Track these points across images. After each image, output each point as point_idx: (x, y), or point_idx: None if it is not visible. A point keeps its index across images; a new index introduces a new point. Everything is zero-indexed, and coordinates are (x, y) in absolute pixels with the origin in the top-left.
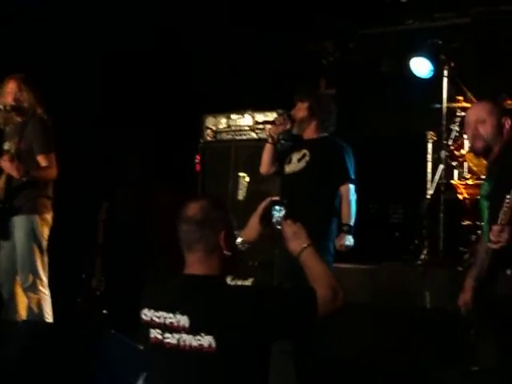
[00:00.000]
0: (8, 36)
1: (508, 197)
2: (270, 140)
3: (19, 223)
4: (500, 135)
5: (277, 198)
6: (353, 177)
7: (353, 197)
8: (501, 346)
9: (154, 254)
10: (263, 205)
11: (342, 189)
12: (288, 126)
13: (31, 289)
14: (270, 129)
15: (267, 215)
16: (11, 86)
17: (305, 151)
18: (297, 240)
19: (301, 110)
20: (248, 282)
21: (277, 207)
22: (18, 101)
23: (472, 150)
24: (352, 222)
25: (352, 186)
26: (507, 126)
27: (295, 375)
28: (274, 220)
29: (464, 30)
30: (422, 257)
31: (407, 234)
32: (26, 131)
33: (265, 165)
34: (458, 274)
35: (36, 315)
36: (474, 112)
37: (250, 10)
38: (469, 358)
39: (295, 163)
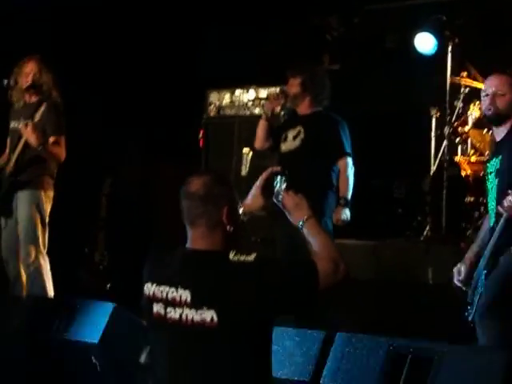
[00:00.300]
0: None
1: None
2: (263, 116)
3: (25, 198)
4: None
5: (278, 169)
6: (348, 150)
7: (350, 170)
8: (500, 324)
9: (156, 228)
10: (264, 176)
11: (339, 163)
12: (282, 102)
13: (33, 264)
14: (263, 105)
15: (268, 186)
16: (31, 67)
17: (299, 128)
18: (298, 211)
19: (293, 86)
20: (251, 258)
21: (278, 178)
22: (37, 81)
23: (484, 116)
24: (349, 196)
25: (349, 160)
26: None
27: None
28: (275, 191)
29: (468, 6)
30: (425, 233)
31: (410, 210)
32: (40, 111)
33: (259, 140)
34: (460, 251)
35: (37, 290)
36: (494, 83)
37: None
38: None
39: (291, 141)
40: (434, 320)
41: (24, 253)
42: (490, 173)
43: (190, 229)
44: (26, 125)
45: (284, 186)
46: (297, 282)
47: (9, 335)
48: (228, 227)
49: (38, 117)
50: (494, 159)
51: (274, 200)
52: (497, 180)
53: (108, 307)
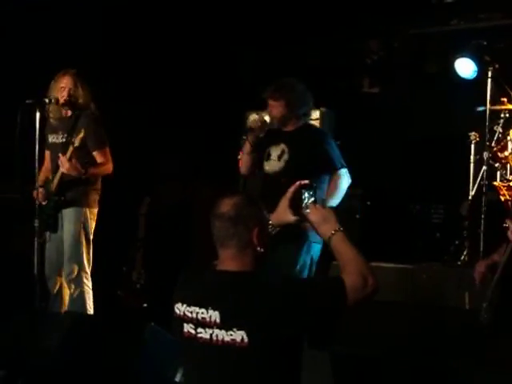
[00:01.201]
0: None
1: None
2: (247, 145)
3: (70, 215)
4: None
5: (307, 182)
6: (339, 164)
7: (343, 180)
8: None
9: (194, 248)
10: (292, 189)
11: (334, 176)
12: (266, 129)
13: (75, 281)
14: (248, 135)
15: (297, 199)
16: (66, 82)
17: (283, 146)
18: (327, 224)
19: (277, 108)
20: (278, 277)
21: (307, 191)
22: (74, 96)
23: None
24: (332, 203)
25: (343, 171)
26: None
27: (332, 374)
28: (303, 204)
29: (509, 31)
30: (463, 258)
31: (448, 234)
32: (78, 126)
33: (245, 167)
34: None
35: (78, 307)
36: None
37: (295, 7)
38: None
39: (275, 160)
40: (467, 345)
41: (68, 269)
42: None
43: (220, 250)
44: (62, 159)
45: (312, 199)
46: (324, 299)
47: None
48: (258, 248)
49: (78, 132)
50: None
51: (303, 213)
52: None
53: (145, 326)
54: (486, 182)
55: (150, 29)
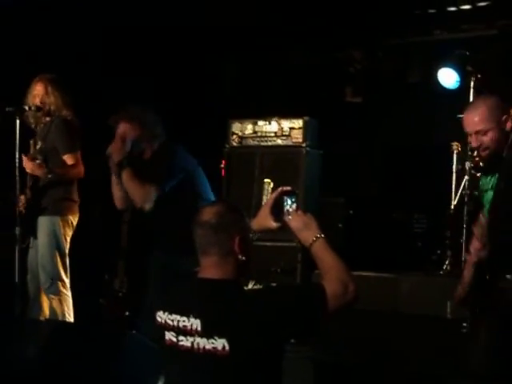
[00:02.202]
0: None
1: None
2: (113, 178)
3: (42, 224)
4: None
5: (289, 189)
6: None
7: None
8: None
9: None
10: (274, 195)
11: None
12: (127, 149)
13: (51, 290)
14: (110, 165)
15: (278, 206)
16: (38, 88)
17: None
18: (308, 231)
19: (132, 130)
20: (260, 286)
21: (289, 198)
22: (44, 103)
23: None
24: None
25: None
26: None
27: (314, 381)
28: (285, 210)
29: (491, 42)
30: (444, 267)
31: (430, 244)
32: (50, 131)
33: (119, 200)
34: None
35: (57, 315)
36: None
37: (279, 17)
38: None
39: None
40: (450, 354)
41: (42, 279)
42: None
43: (202, 258)
44: (24, 159)
45: (294, 205)
46: (304, 307)
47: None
48: (240, 256)
49: (50, 138)
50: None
51: (285, 219)
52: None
53: (126, 334)
54: (468, 192)
55: (131, 36)
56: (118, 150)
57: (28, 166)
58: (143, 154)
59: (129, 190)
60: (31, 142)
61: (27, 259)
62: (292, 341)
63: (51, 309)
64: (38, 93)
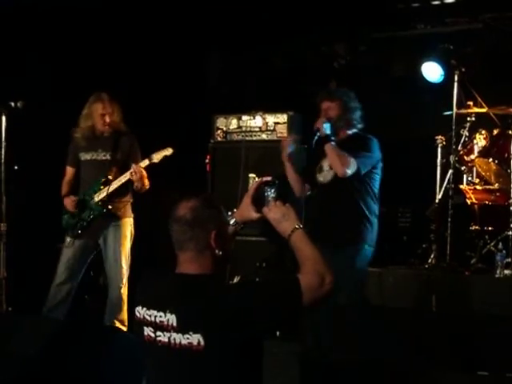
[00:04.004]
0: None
1: None
2: (289, 165)
3: (118, 226)
4: None
5: (269, 179)
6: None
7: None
8: None
9: (162, 252)
10: (254, 185)
11: None
12: (295, 140)
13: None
14: (283, 156)
15: (260, 196)
16: (107, 108)
17: None
18: (286, 222)
19: (332, 109)
20: (234, 281)
21: (269, 188)
22: (112, 121)
23: None
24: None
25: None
26: None
27: (300, 377)
28: (266, 201)
29: (475, 36)
30: (430, 261)
31: (415, 237)
32: (121, 144)
33: (297, 190)
34: (464, 279)
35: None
36: None
37: (263, 11)
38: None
39: (327, 171)
40: (436, 347)
41: (119, 278)
42: None
43: (179, 253)
44: (136, 168)
45: (273, 196)
46: (278, 300)
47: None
48: (217, 251)
49: (122, 150)
50: None
51: (263, 210)
52: None
53: (112, 330)
54: (453, 186)
55: (115, 31)
56: (323, 124)
57: (138, 174)
58: (337, 135)
59: (331, 160)
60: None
61: (60, 259)
62: (278, 334)
63: (113, 306)
64: (106, 112)
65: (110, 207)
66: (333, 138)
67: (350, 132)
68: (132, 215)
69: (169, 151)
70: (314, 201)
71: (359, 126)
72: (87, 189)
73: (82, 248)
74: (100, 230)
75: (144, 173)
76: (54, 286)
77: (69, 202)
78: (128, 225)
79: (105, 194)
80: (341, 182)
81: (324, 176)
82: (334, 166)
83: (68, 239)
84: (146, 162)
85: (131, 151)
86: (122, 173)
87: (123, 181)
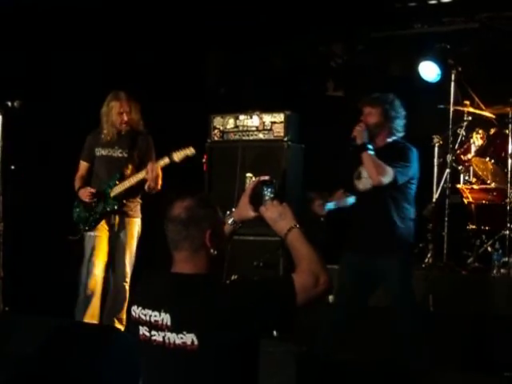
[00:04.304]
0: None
1: None
2: (369, 147)
3: (128, 224)
4: None
5: (266, 178)
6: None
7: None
8: None
9: (160, 252)
10: (252, 185)
11: None
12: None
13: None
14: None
15: (257, 195)
16: (125, 107)
17: None
18: (282, 221)
19: (373, 115)
20: (228, 280)
21: (267, 187)
22: (130, 120)
23: None
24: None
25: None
26: None
27: (296, 376)
28: (263, 200)
29: (472, 35)
30: (426, 260)
31: None
32: (138, 143)
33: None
34: (461, 278)
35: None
36: None
37: (260, 11)
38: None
39: (366, 178)
40: (434, 346)
41: (125, 273)
42: None
43: (174, 252)
44: (152, 167)
45: (271, 195)
46: (272, 299)
47: None
48: (212, 250)
49: (139, 149)
50: None
51: (260, 210)
52: None
53: (112, 331)
54: (450, 185)
55: (113, 30)
56: (360, 133)
57: (155, 173)
58: (376, 142)
59: (367, 169)
60: (88, 144)
61: (84, 253)
62: (275, 334)
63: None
64: (124, 110)
65: (123, 203)
66: (370, 147)
67: (389, 140)
68: (140, 216)
69: (191, 151)
70: (355, 208)
71: (399, 134)
72: (100, 184)
73: (98, 240)
74: (109, 225)
75: (159, 172)
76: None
77: (85, 193)
78: (136, 225)
79: (121, 189)
80: (379, 191)
81: (363, 183)
82: (370, 174)
83: (83, 233)
84: (165, 161)
85: (147, 150)
86: (137, 171)
87: (140, 178)
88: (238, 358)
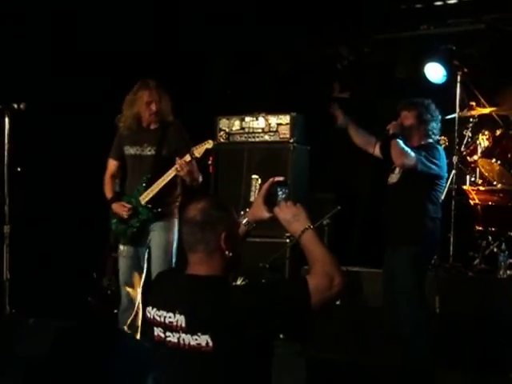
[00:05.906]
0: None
1: None
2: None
3: (162, 227)
4: None
5: (280, 179)
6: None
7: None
8: None
9: None
10: (266, 185)
11: None
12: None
13: None
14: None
15: (272, 195)
16: (152, 96)
17: None
18: (296, 222)
19: (409, 118)
20: (242, 282)
21: (281, 188)
22: (160, 110)
23: None
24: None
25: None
26: None
27: (306, 378)
28: (277, 201)
29: (478, 36)
30: (433, 261)
31: None
32: (168, 137)
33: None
34: (467, 279)
35: None
36: None
37: (267, 13)
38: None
39: (396, 173)
40: (441, 347)
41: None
42: None
43: (189, 254)
44: (181, 162)
45: (285, 196)
46: (286, 301)
47: None
48: (227, 252)
49: (169, 144)
50: None
51: (274, 211)
52: None
53: (115, 332)
54: (456, 186)
55: (119, 32)
56: (394, 126)
57: (186, 168)
58: (410, 143)
59: (392, 152)
60: (115, 144)
61: (119, 267)
62: (281, 336)
63: None
64: (152, 100)
65: (157, 208)
66: (399, 137)
67: (422, 142)
68: (177, 216)
69: (210, 144)
70: (385, 203)
71: (434, 136)
72: (131, 189)
73: (134, 257)
74: (147, 233)
75: (190, 167)
76: (123, 294)
77: (120, 209)
78: (173, 227)
79: (151, 194)
80: (405, 184)
81: (392, 178)
82: (394, 156)
83: (121, 247)
84: (187, 158)
85: (179, 143)
86: (168, 169)
87: (170, 177)
88: (252, 359)
